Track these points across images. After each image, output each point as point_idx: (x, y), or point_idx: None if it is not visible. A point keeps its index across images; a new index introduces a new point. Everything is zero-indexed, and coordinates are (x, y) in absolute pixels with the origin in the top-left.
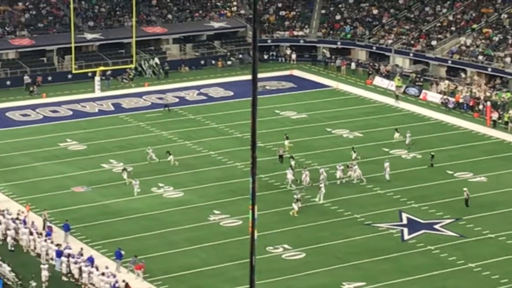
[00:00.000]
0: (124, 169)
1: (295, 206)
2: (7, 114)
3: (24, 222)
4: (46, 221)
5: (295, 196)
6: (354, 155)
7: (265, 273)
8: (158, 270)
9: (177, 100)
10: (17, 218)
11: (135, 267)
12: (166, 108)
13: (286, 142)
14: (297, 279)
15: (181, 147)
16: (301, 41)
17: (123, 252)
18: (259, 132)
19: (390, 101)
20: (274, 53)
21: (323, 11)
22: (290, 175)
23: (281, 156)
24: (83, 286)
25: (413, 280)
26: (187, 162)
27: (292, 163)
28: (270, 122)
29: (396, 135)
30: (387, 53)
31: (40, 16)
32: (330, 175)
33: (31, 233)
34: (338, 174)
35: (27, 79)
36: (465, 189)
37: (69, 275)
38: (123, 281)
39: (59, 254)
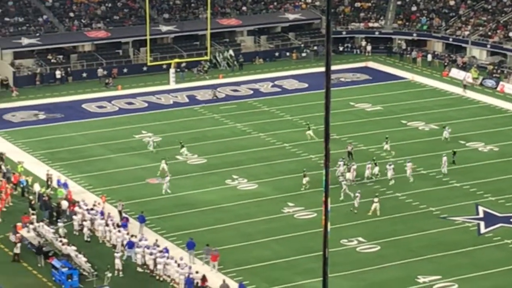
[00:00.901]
0: (164, 160)
1: (356, 202)
2: (83, 106)
3: (101, 213)
4: (121, 212)
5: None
6: (387, 147)
7: (339, 265)
8: (232, 262)
9: (251, 92)
10: (92, 209)
11: (211, 259)
12: (215, 99)
13: (310, 132)
14: (371, 272)
15: (255, 139)
16: (377, 33)
17: (195, 242)
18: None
19: (467, 93)
20: (349, 45)
21: (399, 2)
22: (341, 169)
23: (350, 153)
24: (157, 277)
25: (489, 274)
26: (261, 155)
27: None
28: (344, 114)
29: (445, 133)
30: (463, 45)
31: (116, 9)
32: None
33: (106, 224)
34: (390, 173)
35: (100, 72)
36: None
37: (144, 266)
38: (196, 272)
39: (131, 245)
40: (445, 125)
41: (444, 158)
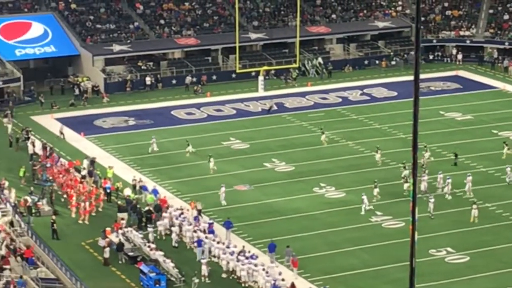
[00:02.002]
0: (210, 156)
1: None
2: (172, 112)
3: (196, 219)
4: (201, 212)
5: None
6: (426, 155)
7: (428, 276)
8: (319, 270)
9: (340, 100)
10: (180, 214)
11: (293, 265)
12: (269, 111)
13: (323, 137)
14: (460, 283)
15: (344, 147)
16: (468, 41)
17: (276, 245)
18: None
19: None
20: (439, 53)
21: (490, 11)
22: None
23: (422, 164)
24: (243, 284)
25: None
26: (349, 163)
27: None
28: (434, 123)
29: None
30: None
31: (206, 16)
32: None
33: (194, 231)
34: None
35: (188, 79)
36: None
37: (231, 273)
38: (283, 279)
39: (200, 243)
40: None
41: (508, 169)
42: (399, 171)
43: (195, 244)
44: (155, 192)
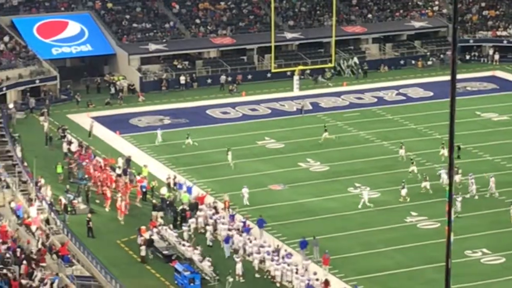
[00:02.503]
0: (228, 150)
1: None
2: (207, 111)
3: (232, 218)
4: (227, 208)
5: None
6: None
7: (463, 277)
8: (353, 270)
9: (375, 100)
10: (216, 213)
11: (324, 262)
12: (301, 113)
13: (325, 134)
14: (495, 285)
15: (379, 147)
16: (505, 42)
17: (307, 241)
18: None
19: None
20: (476, 54)
21: None
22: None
23: (459, 148)
24: (277, 283)
25: None
26: (384, 163)
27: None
28: (470, 123)
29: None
30: None
31: (241, 15)
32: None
33: (229, 229)
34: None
35: (223, 79)
36: None
37: (266, 271)
38: (317, 279)
39: (227, 240)
40: None
41: None
42: (434, 172)
43: (224, 242)
44: (189, 190)
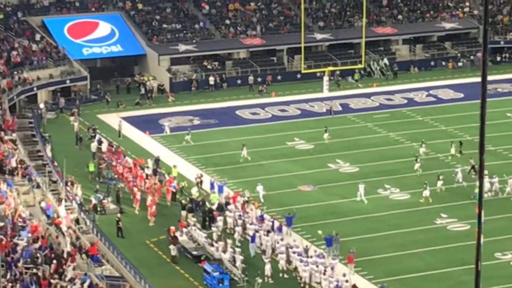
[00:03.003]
0: (243, 145)
1: None
2: (236, 112)
3: (261, 217)
4: (246, 203)
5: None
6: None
7: (493, 279)
8: (383, 272)
9: (405, 101)
10: (245, 213)
11: (349, 261)
12: (331, 114)
13: (325, 135)
14: None
15: (408, 149)
16: None
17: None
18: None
19: None
20: (507, 55)
21: None
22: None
23: (473, 167)
24: (305, 285)
25: None
26: (413, 165)
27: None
28: (501, 125)
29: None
30: None
31: (271, 16)
32: None
33: (256, 230)
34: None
35: (251, 79)
36: None
37: (294, 272)
38: (346, 281)
39: (253, 239)
40: None
41: None
42: (465, 173)
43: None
44: (220, 189)
